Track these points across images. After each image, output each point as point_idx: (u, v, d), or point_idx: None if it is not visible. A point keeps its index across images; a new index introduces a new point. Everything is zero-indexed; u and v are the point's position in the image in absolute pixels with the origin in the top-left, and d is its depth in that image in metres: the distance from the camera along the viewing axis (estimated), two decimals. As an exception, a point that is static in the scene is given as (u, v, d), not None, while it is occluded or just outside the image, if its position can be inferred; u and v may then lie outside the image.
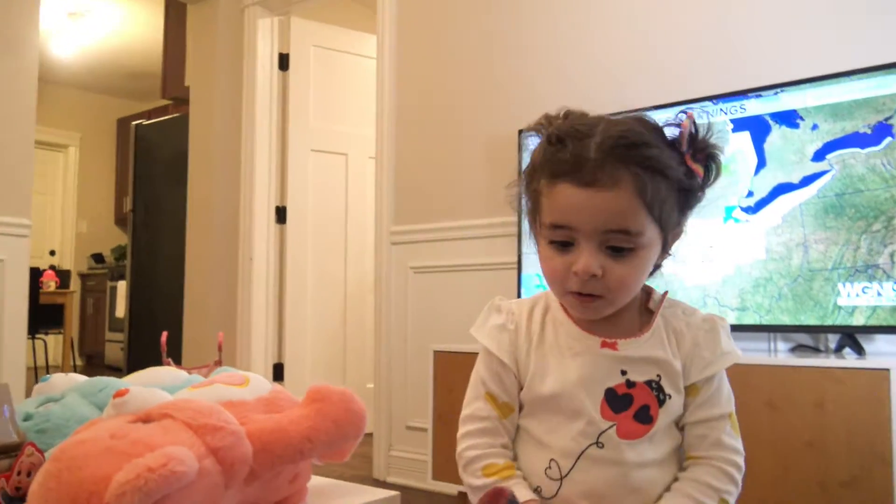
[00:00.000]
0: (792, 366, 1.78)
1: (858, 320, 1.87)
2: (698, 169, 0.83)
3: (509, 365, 0.87)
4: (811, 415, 1.73)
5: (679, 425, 0.89)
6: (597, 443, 0.83)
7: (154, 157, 5.09)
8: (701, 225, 2.12)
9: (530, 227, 0.90)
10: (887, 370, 1.65)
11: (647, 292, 0.91)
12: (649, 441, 0.84)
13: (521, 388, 0.88)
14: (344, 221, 3.96)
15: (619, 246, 0.80)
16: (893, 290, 1.83)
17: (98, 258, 7.42)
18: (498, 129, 2.80)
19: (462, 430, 0.89)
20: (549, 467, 0.84)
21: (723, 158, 0.87)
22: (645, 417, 0.84)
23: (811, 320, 1.94)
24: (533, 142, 2.03)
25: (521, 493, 0.83)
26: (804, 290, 1.95)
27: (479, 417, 0.88)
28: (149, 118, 5.53)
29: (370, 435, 3.03)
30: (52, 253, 7.23)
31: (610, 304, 0.83)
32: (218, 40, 3.94)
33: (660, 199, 0.80)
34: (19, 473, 0.70)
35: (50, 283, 5.85)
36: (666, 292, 0.92)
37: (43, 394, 0.84)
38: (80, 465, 0.61)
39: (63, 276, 6.65)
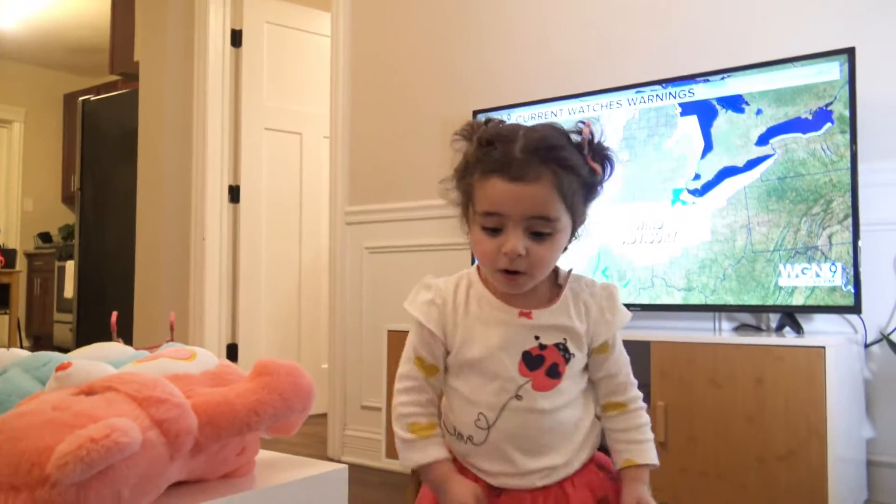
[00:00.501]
0: (734, 344, 1.84)
1: (798, 300, 1.94)
2: (598, 168, 1.00)
3: (437, 334, 1.03)
4: (751, 391, 1.79)
5: (595, 378, 1.07)
6: (516, 396, 1.00)
7: (102, 135, 4.97)
8: (650, 207, 2.17)
9: (462, 215, 1.04)
10: (823, 348, 1.72)
11: (555, 270, 1.06)
12: (558, 391, 1.01)
13: (447, 353, 1.04)
14: (298, 201, 3.93)
15: (540, 231, 0.96)
16: (831, 271, 1.90)
17: (45, 237, 7.23)
18: (453, 109, 2.81)
19: (397, 386, 1.05)
20: (478, 419, 1.01)
21: (616, 158, 1.04)
22: (554, 373, 1.01)
23: (754, 300, 2.00)
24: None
25: (435, 452, 1.01)
26: (747, 271, 2.01)
27: (411, 377, 1.04)
28: (97, 94, 5.39)
29: (324, 415, 3.04)
30: (-3, 232, 7.03)
31: (531, 280, 0.99)
32: (168, 14, 3.86)
33: (572, 191, 0.97)
34: (-41, 447, 0.69)
35: (-6, 262, 5.69)
36: (571, 269, 1.08)
37: (-17, 369, 0.83)
38: (21, 436, 0.61)
39: (9, 256, 6.47)
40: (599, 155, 1.00)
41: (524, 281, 0.98)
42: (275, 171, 3.85)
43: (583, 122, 1.00)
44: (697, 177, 2.10)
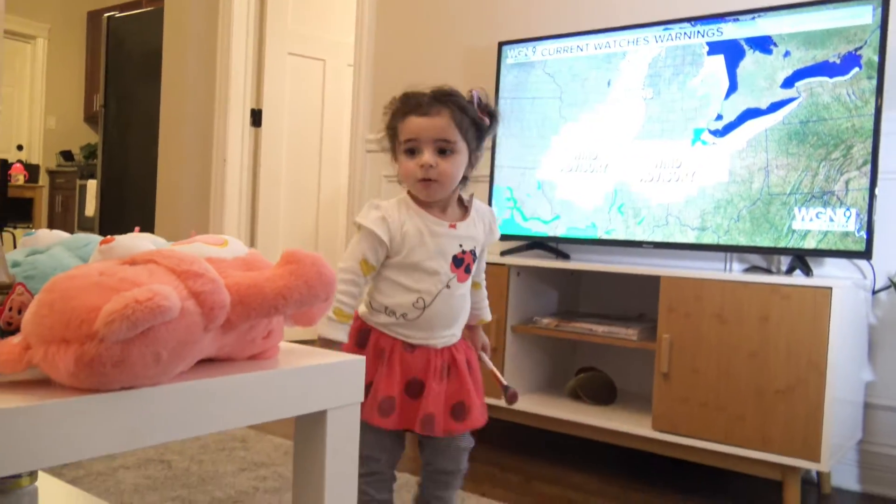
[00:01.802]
0: (742, 282, 1.87)
1: (810, 244, 1.97)
2: (484, 117, 1.39)
3: (385, 242, 1.36)
4: (756, 328, 1.84)
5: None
6: (447, 286, 1.39)
7: (126, 53, 4.97)
8: (670, 146, 2.18)
9: (391, 151, 1.41)
10: (830, 289, 1.75)
11: (461, 195, 1.44)
12: (466, 283, 1.43)
13: (387, 257, 1.38)
14: (319, 127, 3.95)
15: (444, 149, 1.34)
16: (845, 216, 1.91)
17: (67, 156, 7.30)
18: (479, 41, 2.80)
19: (340, 275, 1.35)
20: (416, 302, 1.37)
21: (500, 116, 1.45)
22: (468, 269, 1.42)
23: (766, 242, 2.03)
24: (512, 53, 2.15)
25: (344, 335, 1.36)
26: (762, 213, 2.03)
27: (353, 272, 1.37)
28: (121, 11, 5.37)
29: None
30: (20, 147, 7.10)
31: (441, 187, 1.36)
32: (196, -68, 3.82)
33: (465, 125, 1.36)
34: (10, 310, 0.75)
35: (18, 176, 5.78)
36: (472, 193, 1.47)
37: (28, 246, 0.88)
38: (71, 295, 0.66)
39: (31, 171, 6.56)
40: (485, 110, 1.39)
41: (436, 188, 1.35)
42: (297, 97, 3.86)
43: (472, 90, 1.39)
44: (720, 117, 2.10)
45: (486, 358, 1.56)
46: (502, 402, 2.05)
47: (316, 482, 0.89)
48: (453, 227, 1.39)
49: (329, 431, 0.88)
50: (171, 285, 0.70)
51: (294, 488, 0.91)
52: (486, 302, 1.57)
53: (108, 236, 0.76)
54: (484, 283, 1.55)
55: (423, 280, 1.37)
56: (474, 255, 1.41)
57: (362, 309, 1.42)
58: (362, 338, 1.40)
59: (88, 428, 0.65)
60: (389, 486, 1.44)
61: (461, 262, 1.39)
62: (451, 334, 1.41)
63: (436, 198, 1.38)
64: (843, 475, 2.12)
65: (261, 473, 1.92)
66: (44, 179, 7.03)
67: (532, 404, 2.22)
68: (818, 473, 2.11)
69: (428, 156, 1.33)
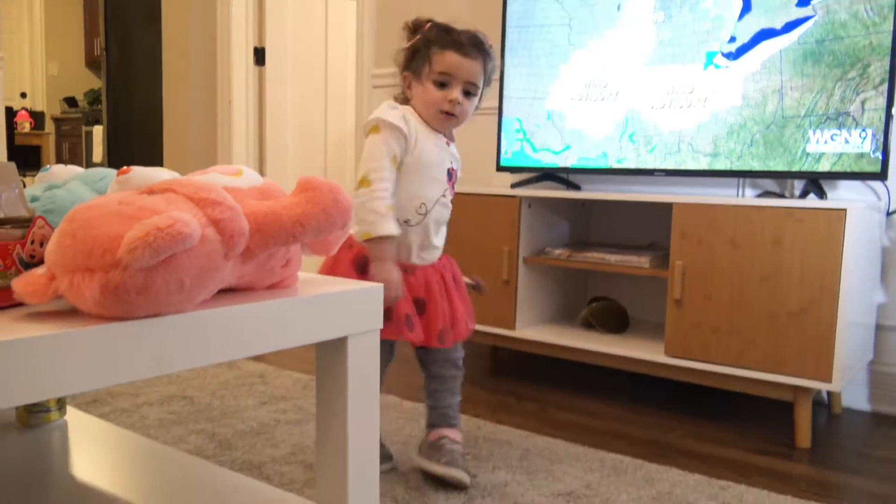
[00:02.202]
0: (756, 206, 1.86)
1: (824, 167, 1.95)
2: (493, 63, 1.53)
3: (407, 137, 1.44)
4: (769, 252, 1.84)
5: None
6: (443, 194, 1.52)
7: (125, -6, 4.88)
8: (682, 71, 2.14)
9: (416, 75, 1.49)
10: (844, 210, 1.74)
11: None
12: (450, 198, 1.55)
13: (406, 155, 1.46)
14: (324, 64, 3.90)
15: (469, 91, 1.48)
16: (860, 137, 1.89)
17: (71, 102, 7.25)
18: (484, -32, 2.73)
19: (376, 175, 1.41)
20: (420, 207, 1.49)
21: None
22: (453, 186, 1.55)
23: (780, 166, 2.01)
24: None
25: (396, 227, 1.42)
26: (775, 137, 2.01)
27: (386, 169, 1.43)
28: (118, -48, 5.25)
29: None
30: (24, 95, 7.05)
31: (457, 122, 1.51)
32: None
33: (486, 73, 1.50)
34: (32, 243, 0.75)
35: (24, 123, 5.76)
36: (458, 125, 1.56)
37: (45, 182, 0.88)
38: (93, 224, 0.67)
39: (37, 118, 6.53)
40: (494, 55, 1.53)
41: (454, 122, 1.50)
42: (300, 34, 3.80)
43: (482, 33, 1.51)
44: (733, 39, 2.06)
45: (476, 284, 1.69)
46: (511, 332, 2.24)
47: (339, 408, 0.91)
48: (448, 144, 1.54)
49: (350, 357, 0.89)
50: (191, 213, 0.70)
51: (318, 415, 0.93)
52: None
53: (125, 167, 0.76)
54: None
55: (428, 186, 1.49)
56: (457, 172, 1.57)
57: (358, 228, 1.45)
58: (363, 264, 1.44)
59: (115, 355, 0.66)
60: None
61: (451, 176, 1.54)
62: (440, 244, 1.56)
63: (447, 128, 1.52)
64: (854, 395, 2.14)
65: (281, 406, 1.97)
66: (49, 127, 7.01)
67: (545, 334, 2.25)
68: (829, 394, 2.14)
69: (458, 93, 1.45)
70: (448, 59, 1.45)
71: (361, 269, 1.45)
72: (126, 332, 0.67)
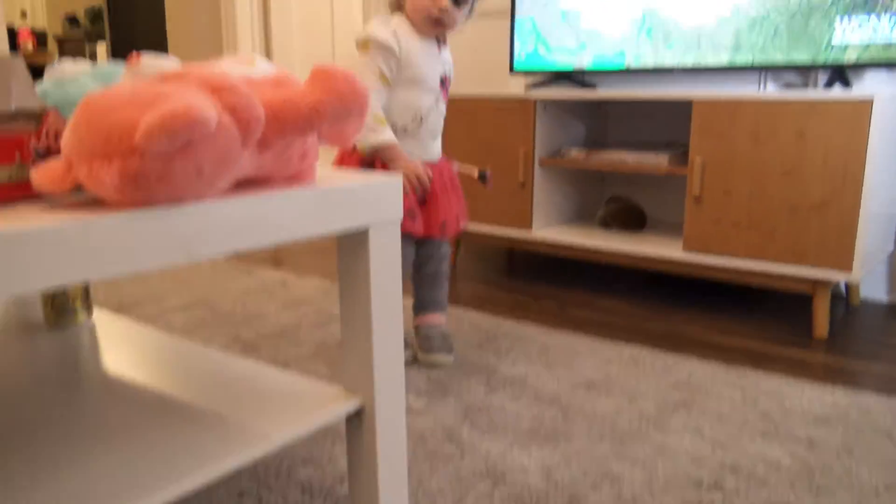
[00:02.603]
0: (779, 101, 1.81)
1: (850, 58, 1.88)
2: None
3: (397, 55, 1.50)
4: (792, 145, 1.80)
5: None
6: (436, 101, 1.59)
7: None
8: (702, -42, 2.05)
9: None
10: (871, 101, 1.69)
11: None
12: (444, 103, 1.62)
13: (398, 72, 1.51)
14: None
15: (458, 0, 1.50)
16: (890, 23, 1.82)
17: (72, 21, 7.09)
18: None
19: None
20: (414, 116, 1.55)
21: None
22: (447, 90, 1.62)
23: (803, 59, 1.95)
24: None
25: (391, 135, 1.50)
26: (800, 27, 1.94)
27: (375, 89, 1.48)
28: None
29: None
30: (24, 14, 6.90)
31: (446, 28, 1.54)
32: None
33: None
34: (46, 135, 0.74)
35: (27, 43, 5.66)
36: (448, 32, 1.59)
37: (54, 77, 0.86)
38: (107, 111, 0.65)
39: (40, 36, 6.42)
40: None
41: (442, 28, 1.53)
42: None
43: None
44: (757, -79, 1.96)
45: (457, 164, 1.69)
46: (527, 234, 2.26)
47: (363, 299, 0.91)
48: (439, 51, 1.59)
49: (372, 247, 0.89)
50: (206, 99, 0.69)
51: (342, 307, 0.94)
52: None
53: (135, 53, 0.74)
54: None
55: (421, 96, 1.55)
56: (450, 77, 1.63)
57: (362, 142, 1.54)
58: (368, 162, 1.53)
59: (139, 241, 0.66)
60: None
61: (444, 83, 1.60)
62: (438, 146, 1.64)
63: (438, 33, 1.56)
64: (872, 286, 2.14)
65: (303, 310, 2.00)
66: (52, 46, 6.89)
67: (563, 234, 2.24)
68: (847, 287, 2.14)
69: (447, 1, 1.48)
70: None
71: (368, 166, 1.53)
72: (149, 218, 0.66)
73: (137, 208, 0.66)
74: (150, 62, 0.74)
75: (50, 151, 0.75)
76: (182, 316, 1.95)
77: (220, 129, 0.69)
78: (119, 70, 0.89)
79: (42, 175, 0.67)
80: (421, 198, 1.56)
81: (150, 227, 0.66)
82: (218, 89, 0.71)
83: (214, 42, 3.71)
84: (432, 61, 1.56)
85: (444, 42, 1.61)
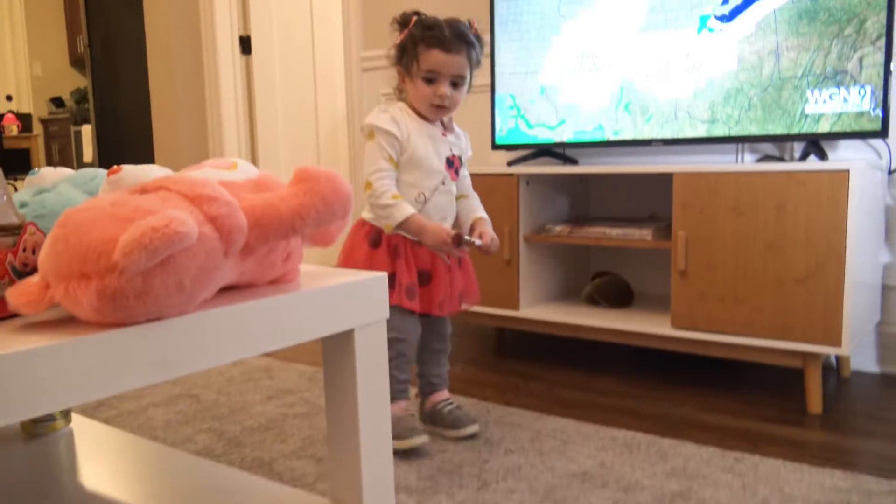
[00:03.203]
0: (757, 172, 1.84)
1: (824, 128, 1.92)
2: (480, 50, 1.61)
3: (399, 138, 1.57)
4: (773, 217, 1.81)
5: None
6: (442, 182, 1.63)
7: (105, -11, 4.81)
8: (675, 37, 2.11)
9: (406, 71, 1.61)
10: (847, 171, 1.72)
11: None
12: (455, 183, 1.67)
13: (400, 154, 1.59)
14: (311, 49, 3.85)
15: (457, 83, 1.59)
16: (859, 95, 1.86)
17: (58, 102, 7.18)
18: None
19: (376, 176, 1.57)
20: (418, 197, 1.61)
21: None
22: (457, 171, 1.67)
23: (779, 129, 1.98)
24: None
25: (410, 208, 1.55)
26: (773, 100, 1.98)
27: (385, 168, 1.57)
28: (95, -54, 5.16)
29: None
30: (9, 98, 6.98)
31: (448, 112, 1.62)
32: None
33: (473, 61, 1.60)
34: (25, 251, 0.73)
35: (12, 126, 5.70)
36: (451, 116, 1.67)
37: (34, 186, 0.86)
38: (86, 229, 0.64)
39: (24, 120, 6.47)
40: (480, 41, 1.60)
41: (445, 112, 1.61)
42: (285, 20, 3.74)
43: (470, 19, 1.60)
44: (725, 1, 2.02)
45: (468, 238, 1.61)
46: (515, 312, 2.26)
47: (349, 402, 0.89)
48: (444, 135, 1.64)
49: (358, 349, 0.87)
50: (186, 211, 0.68)
51: (327, 410, 0.91)
52: (480, 206, 1.75)
53: (116, 166, 0.73)
54: (473, 193, 1.76)
55: (424, 178, 1.60)
56: (460, 160, 1.68)
57: (370, 214, 1.62)
58: (375, 238, 1.60)
59: (117, 362, 0.64)
60: (409, 367, 1.65)
61: (452, 164, 1.65)
62: (447, 226, 1.64)
63: (440, 118, 1.64)
64: (863, 358, 2.13)
65: (288, 400, 1.95)
66: (37, 128, 6.94)
67: (550, 312, 2.23)
68: (838, 358, 2.13)
69: (445, 88, 1.56)
70: (433, 58, 1.55)
71: (374, 243, 1.60)
72: (127, 339, 0.64)
73: (115, 328, 0.64)
74: (130, 172, 0.73)
75: (28, 267, 0.73)
76: (163, 411, 1.90)
77: (202, 240, 0.68)
78: (101, 174, 0.88)
79: (18, 295, 0.66)
80: (425, 276, 1.61)
81: (128, 348, 0.64)
82: (199, 199, 0.70)
83: (199, 120, 3.74)
84: (436, 144, 1.62)
85: (450, 127, 1.67)
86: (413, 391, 1.75)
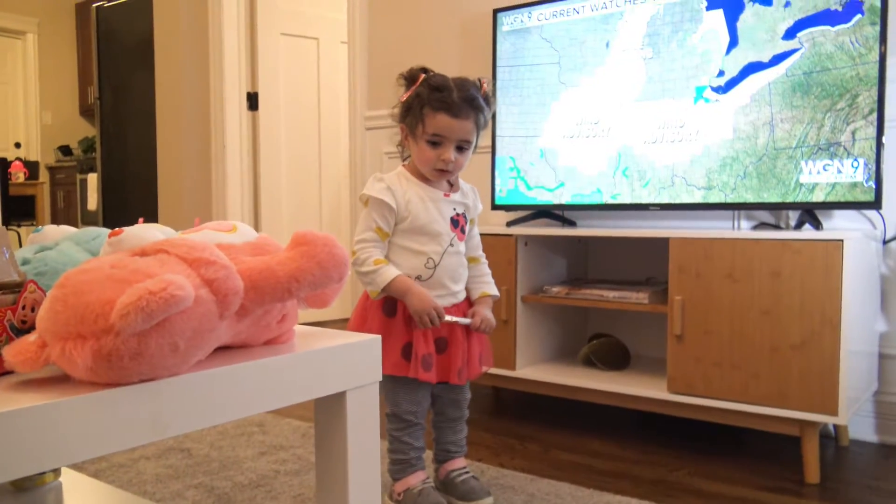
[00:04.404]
0: (752, 239, 1.86)
1: (818, 197, 1.95)
2: (492, 107, 1.60)
3: (393, 208, 1.54)
4: (768, 285, 1.83)
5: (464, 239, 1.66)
6: (450, 244, 1.59)
7: (118, 43, 4.92)
8: (673, 106, 2.16)
9: (410, 130, 1.57)
10: (841, 241, 1.74)
11: None
12: (463, 242, 1.64)
13: (395, 224, 1.56)
14: (317, 107, 3.93)
15: (462, 147, 1.55)
16: (853, 167, 1.90)
17: (65, 150, 7.27)
18: (473, 7, 2.76)
19: (359, 246, 1.54)
20: (427, 262, 1.57)
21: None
22: (463, 230, 1.63)
23: (773, 198, 2.01)
24: (508, 20, 2.16)
25: (394, 271, 1.52)
26: (768, 169, 2.02)
27: (371, 239, 1.54)
28: (110, 0, 5.31)
29: (345, 320, 3.12)
30: (18, 145, 7.07)
31: (452, 175, 1.60)
32: (180, -85, 3.76)
33: (480, 125, 1.56)
34: (24, 308, 0.74)
35: (18, 174, 5.77)
36: (457, 175, 1.64)
37: (37, 243, 0.87)
38: (84, 290, 0.65)
39: (31, 168, 6.55)
40: (488, 101, 1.57)
41: (448, 176, 1.58)
42: (292, 78, 3.83)
43: (480, 79, 1.58)
44: (721, 73, 2.07)
45: (451, 318, 1.56)
46: (511, 373, 2.26)
47: (339, 463, 0.89)
48: (447, 196, 1.61)
49: (349, 412, 0.87)
50: (184, 274, 0.69)
51: (317, 471, 0.91)
52: (490, 277, 1.70)
53: (117, 228, 0.75)
54: (484, 258, 1.71)
55: (431, 242, 1.57)
56: (465, 218, 1.64)
57: None
58: (390, 307, 1.56)
59: (110, 422, 0.64)
60: (422, 434, 1.63)
61: (457, 224, 1.62)
62: (459, 290, 1.63)
63: (443, 180, 1.61)
64: (861, 427, 2.12)
65: (280, 456, 1.94)
66: (44, 176, 7.02)
67: (547, 373, 2.22)
68: (835, 427, 2.11)
69: (451, 153, 1.53)
70: (439, 122, 1.51)
71: (389, 311, 1.56)
72: (121, 398, 0.65)
73: (108, 388, 0.65)
74: (131, 234, 0.75)
75: (27, 324, 0.74)
76: (154, 465, 1.88)
77: (198, 303, 0.69)
78: (102, 233, 0.90)
79: (14, 353, 0.67)
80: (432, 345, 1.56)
81: (122, 407, 0.65)
82: (197, 263, 0.72)
83: (204, 173, 3.79)
84: (439, 206, 1.58)
85: (456, 181, 1.64)
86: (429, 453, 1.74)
